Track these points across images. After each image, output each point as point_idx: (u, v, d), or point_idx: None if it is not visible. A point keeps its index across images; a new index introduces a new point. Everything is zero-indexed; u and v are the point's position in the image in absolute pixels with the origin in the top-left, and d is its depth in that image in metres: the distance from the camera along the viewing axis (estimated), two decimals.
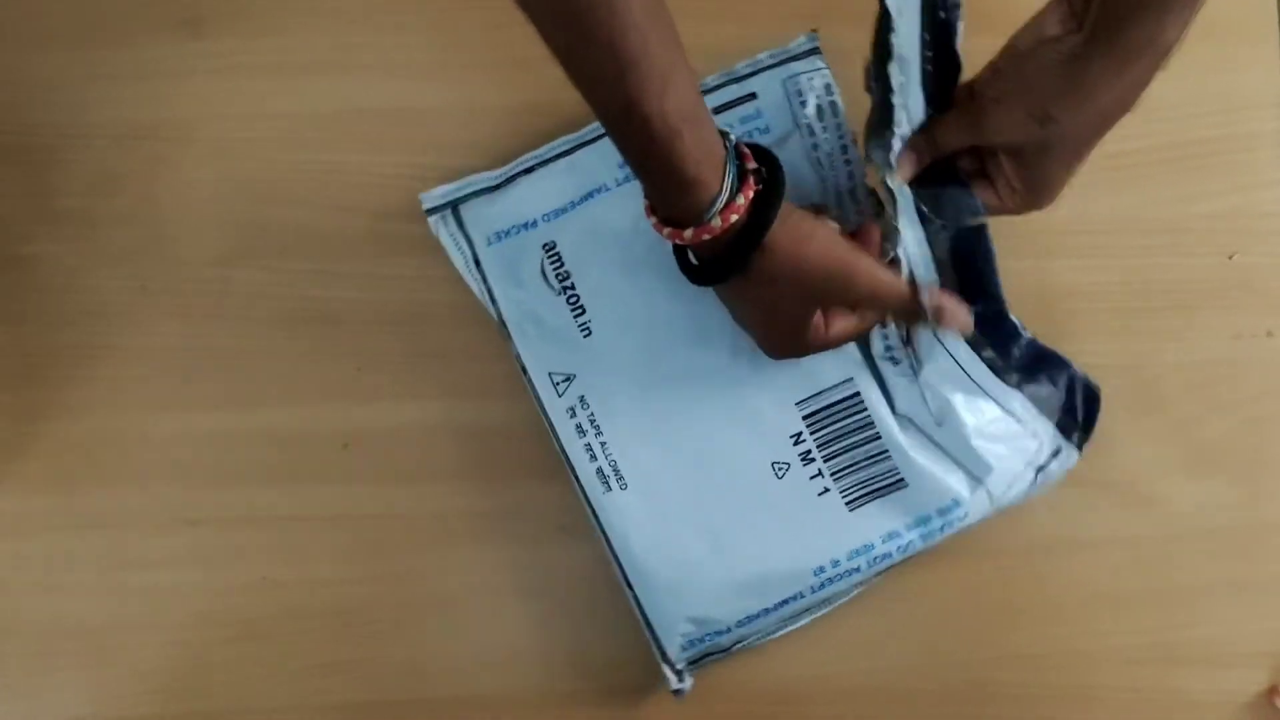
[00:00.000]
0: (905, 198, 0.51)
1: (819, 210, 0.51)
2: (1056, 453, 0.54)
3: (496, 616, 0.56)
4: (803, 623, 0.55)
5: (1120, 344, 0.59)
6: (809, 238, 0.46)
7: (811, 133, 0.54)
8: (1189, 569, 0.58)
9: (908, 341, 0.54)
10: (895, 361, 0.54)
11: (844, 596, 0.55)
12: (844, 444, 0.53)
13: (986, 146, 0.49)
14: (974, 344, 0.53)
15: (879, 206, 0.54)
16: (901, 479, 0.53)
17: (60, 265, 0.57)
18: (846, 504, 0.53)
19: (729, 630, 0.53)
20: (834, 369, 0.53)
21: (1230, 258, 0.60)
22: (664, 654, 0.53)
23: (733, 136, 0.45)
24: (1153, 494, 0.58)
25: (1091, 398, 0.54)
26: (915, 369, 0.53)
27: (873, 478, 0.53)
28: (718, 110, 0.54)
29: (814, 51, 0.55)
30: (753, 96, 0.55)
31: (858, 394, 0.53)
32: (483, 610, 0.56)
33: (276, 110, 0.58)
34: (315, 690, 0.56)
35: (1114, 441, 0.58)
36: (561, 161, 0.55)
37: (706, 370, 0.53)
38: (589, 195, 0.55)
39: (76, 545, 0.56)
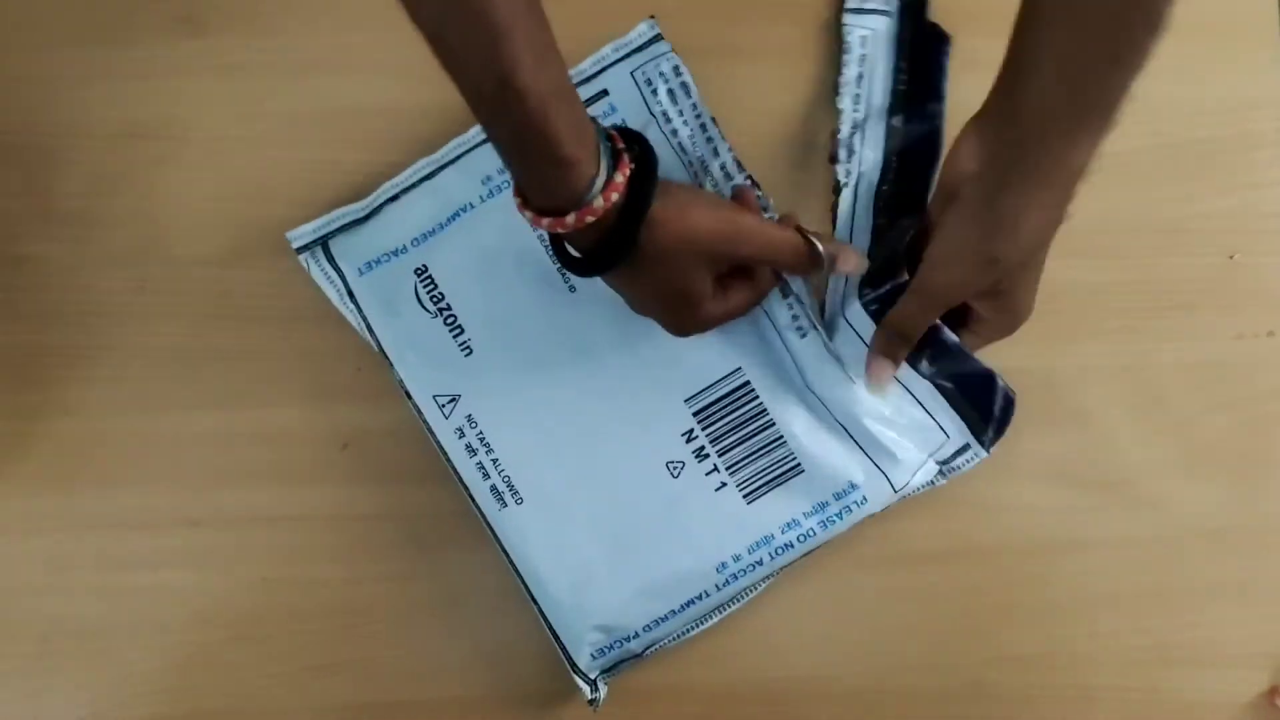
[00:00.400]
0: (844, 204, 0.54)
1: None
2: (964, 449, 0.54)
3: (496, 617, 0.56)
4: (713, 621, 0.54)
5: (1120, 344, 0.59)
6: (690, 204, 0.46)
7: (668, 119, 0.54)
8: (1189, 569, 0.58)
9: (821, 316, 0.54)
10: (802, 333, 0.53)
11: (752, 592, 0.54)
12: (737, 435, 0.53)
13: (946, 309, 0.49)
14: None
15: (832, 159, 0.55)
16: (798, 464, 0.53)
17: (59, 265, 0.57)
18: (744, 496, 0.53)
19: (637, 635, 0.53)
20: (720, 361, 0.53)
21: (1231, 258, 0.60)
22: (574, 665, 0.53)
23: (599, 120, 0.44)
24: (1152, 494, 0.58)
25: (1007, 403, 0.53)
26: (825, 341, 0.53)
27: (769, 466, 0.53)
28: None
29: (657, 38, 0.55)
30: (604, 94, 0.55)
31: (747, 383, 0.53)
32: (482, 610, 0.56)
33: (275, 109, 0.58)
34: (315, 690, 0.56)
35: (1114, 441, 0.58)
36: (424, 185, 0.55)
37: (591, 376, 0.53)
38: (455, 215, 0.55)
39: (75, 545, 0.56)
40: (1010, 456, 0.58)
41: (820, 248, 0.49)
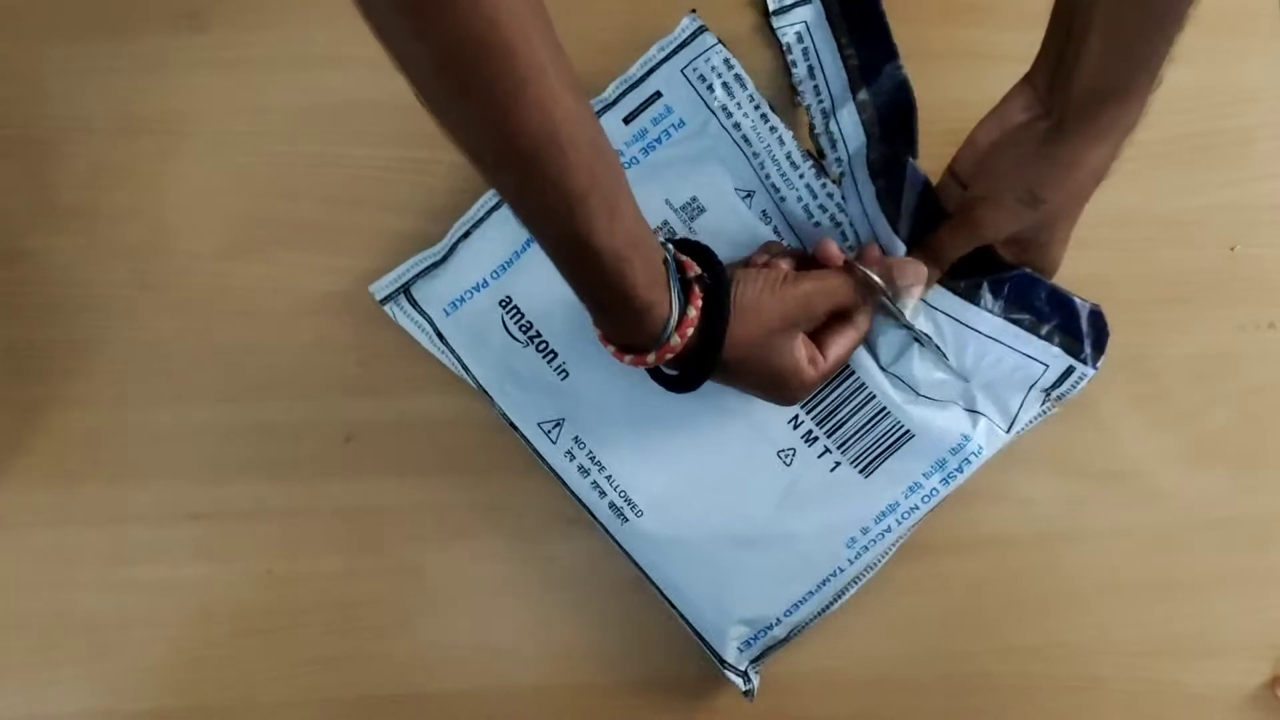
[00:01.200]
0: (859, 162, 0.54)
1: (769, 252, 0.53)
2: (1069, 372, 0.54)
3: (499, 610, 0.56)
4: (852, 592, 0.55)
5: (1123, 336, 0.59)
6: (758, 301, 0.47)
7: (728, 113, 0.54)
8: (1191, 561, 0.58)
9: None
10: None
11: (886, 557, 0.55)
12: (842, 414, 0.54)
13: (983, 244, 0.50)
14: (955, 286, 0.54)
15: (820, 154, 0.55)
16: (907, 430, 0.53)
17: (61, 259, 0.57)
18: (860, 471, 0.54)
19: (779, 621, 0.54)
20: None
21: (1232, 250, 0.60)
22: (723, 662, 0.54)
23: (670, 248, 0.45)
24: (1155, 486, 0.59)
25: (1095, 317, 0.54)
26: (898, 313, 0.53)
27: (879, 439, 0.54)
28: (628, 119, 0.55)
29: (701, 30, 0.55)
30: (658, 95, 0.55)
31: (845, 366, 0.54)
32: (485, 604, 0.56)
33: (277, 103, 0.58)
34: (318, 684, 0.56)
35: (1117, 433, 0.59)
36: (494, 217, 0.55)
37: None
38: (529, 242, 0.55)
39: (78, 539, 0.56)
40: (1015, 447, 0.58)
41: (873, 277, 0.50)
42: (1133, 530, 0.58)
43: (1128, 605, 0.58)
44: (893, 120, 0.55)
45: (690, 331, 0.44)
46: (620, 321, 0.44)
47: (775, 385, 0.50)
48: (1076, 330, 0.54)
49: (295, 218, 0.57)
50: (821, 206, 0.54)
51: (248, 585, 0.56)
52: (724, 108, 0.54)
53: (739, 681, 0.54)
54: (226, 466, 0.56)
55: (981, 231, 0.49)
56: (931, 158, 0.53)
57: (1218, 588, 0.58)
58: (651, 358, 0.45)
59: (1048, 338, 0.54)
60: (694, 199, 0.55)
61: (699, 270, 0.46)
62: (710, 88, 0.54)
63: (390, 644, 0.56)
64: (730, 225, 0.54)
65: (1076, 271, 0.59)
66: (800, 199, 0.54)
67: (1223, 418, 0.59)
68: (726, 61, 0.54)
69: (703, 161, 0.55)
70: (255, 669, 0.56)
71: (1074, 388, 0.54)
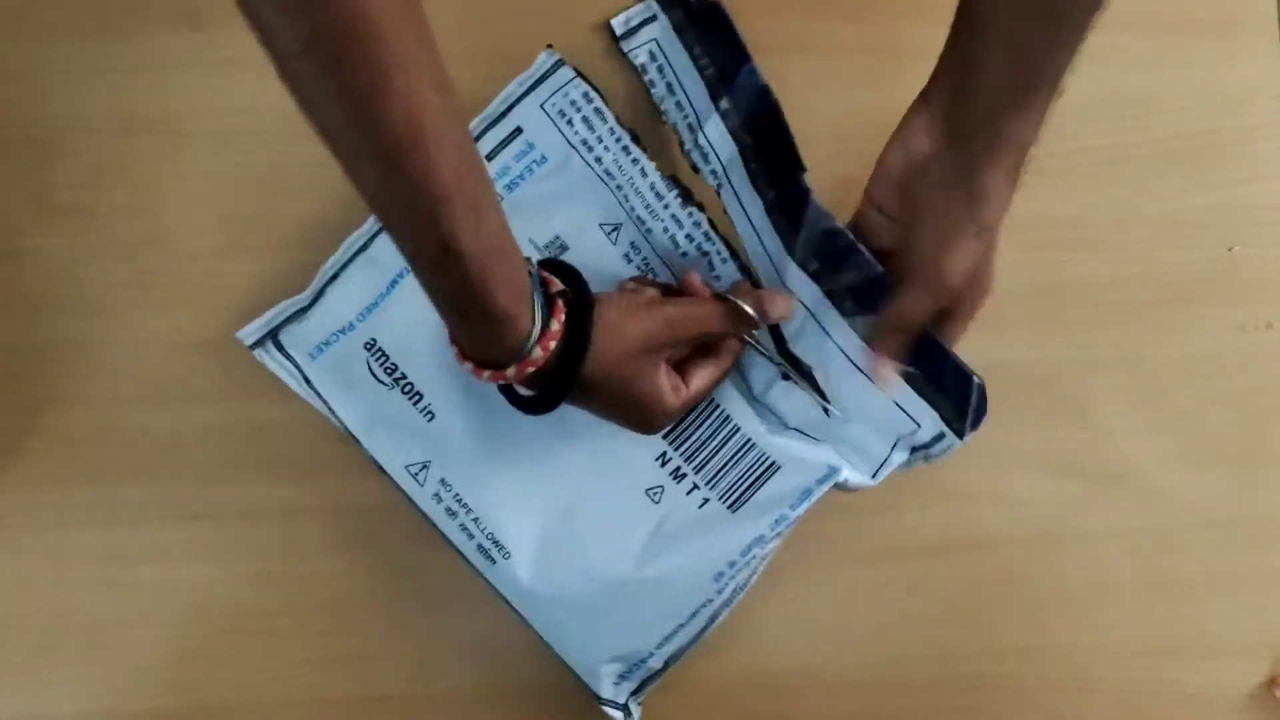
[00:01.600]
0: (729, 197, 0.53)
1: (637, 282, 0.53)
2: (940, 437, 0.53)
3: (493, 610, 0.56)
4: (726, 614, 0.54)
5: (1121, 337, 0.60)
6: (621, 320, 0.47)
7: (589, 148, 0.54)
8: (1189, 561, 0.59)
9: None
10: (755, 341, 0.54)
11: (751, 582, 0.54)
12: (709, 449, 0.54)
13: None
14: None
15: (695, 169, 0.55)
16: (773, 463, 0.53)
17: (59, 258, 0.57)
18: (728, 507, 0.54)
19: (652, 654, 0.53)
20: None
21: (1230, 250, 0.61)
22: (599, 698, 0.54)
23: (534, 262, 0.45)
24: (1153, 486, 0.59)
25: (982, 393, 0.51)
26: (770, 351, 0.54)
27: (746, 472, 0.54)
28: (490, 156, 0.55)
29: (560, 64, 0.55)
30: (519, 131, 0.55)
31: (710, 399, 0.54)
32: (480, 604, 0.56)
33: (277, 103, 0.57)
34: (315, 684, 0.56)
35: (1115, 434, 0.59)
36: (359, 259, 0.55)
37: (556, 420, 0.52)
38: (393, 283, 0.54)
39: (76, 540, 0.56)
40: (1011, 448, 0.58)
41: (743, 306, 0.50)
42: (1130, 531, 0.58)
43: (1125, 606, 0.58)
44: (761, 126, 0.53)
45: (553, 345, 0.44)
46: (480, 333, 0.43)
47: (636, 410, 0.49)
48: (964, 401, 0.51)
49: (293, 217, 0.57)
50: (689, 236, 0.54)
51: (245, 585, 0.56)
52: (585, 142, 0.54)
53: (619, 715, 0.53)
54: (224, 466, 0.56)
55: (949, 282, 0.48)
56: (845, 154, 0.51)
57: (1215, 588, 0.59)
58: (511, 371, 0.44)
59: (931, 400, 0.52)
60: (557, 237, 0.54)
61: (562, 286, 0.45)
62: (570, 122, 0.54)
63: (388, 643, 0.56)
64: (593, 262, 0.53)
65: (1075, 273, 0.60)
66: (667, 230, 0.54)
67: (1221, 418, 0.59)
68: (586, 95, 0.54)
69: (566, 198, 0.54)
70: (253, 669, 0.55)
71: (942, 453, 0.53)
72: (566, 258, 0.53)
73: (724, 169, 0.54)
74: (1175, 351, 0.60)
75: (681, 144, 0.56)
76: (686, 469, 0.54)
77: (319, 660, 0.56)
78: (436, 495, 0.54)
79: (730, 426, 0.54)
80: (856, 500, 0.57)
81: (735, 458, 0.54)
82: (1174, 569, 0.58)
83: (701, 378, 0.51)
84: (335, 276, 0.55)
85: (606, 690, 0.54)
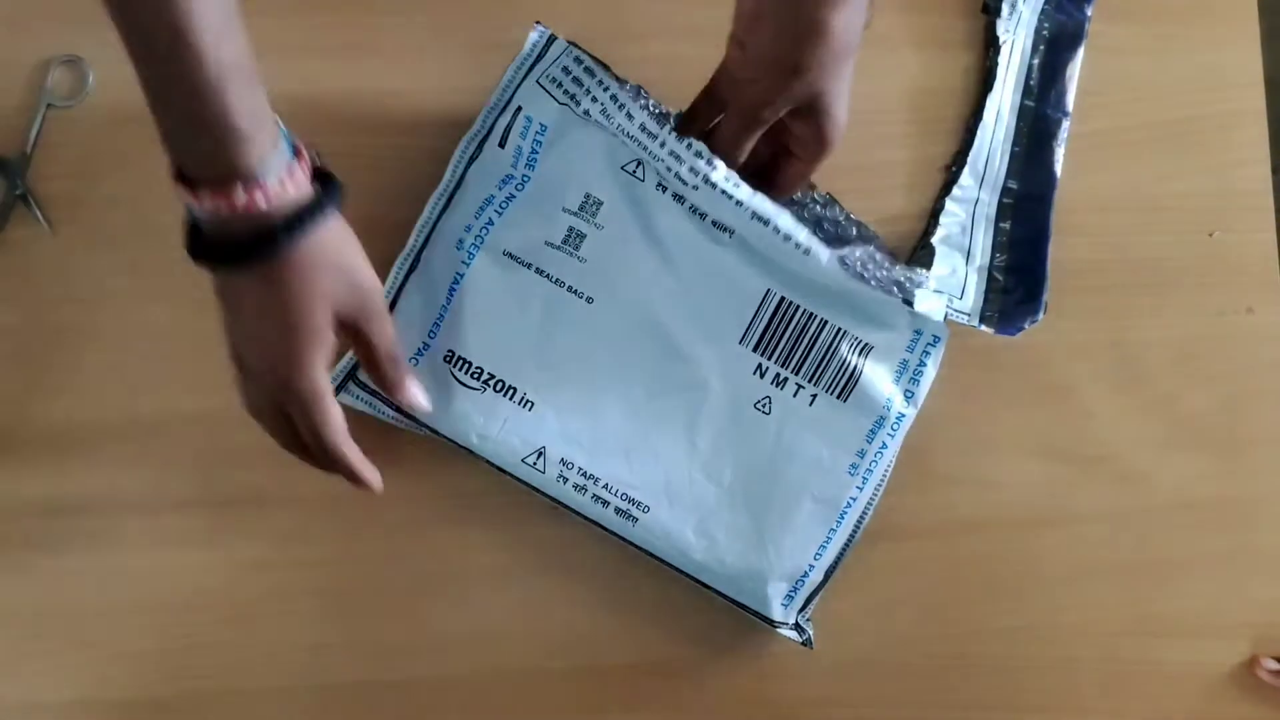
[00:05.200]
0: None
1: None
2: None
3: (486, 596, 0.57)
4: (870, 513, 0.55)
5: (1102, 321, 0.60)
6: (357, 250, 0.45)
7: (577, 102, 0.54)
8: (1171, 542, 0.59)
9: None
10: (804, 250, 0.53)
11: (888, 474, 0.55)
12: (802, 349, 0.54)
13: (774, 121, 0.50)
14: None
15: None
16: (866, 344, 0.54)
17: (49, 248, 0.57)
18: (837, 396, 0.54)
19: (812, 568, 0.54)
20: (747, 294, 0.54)
21: (1211, 235, 0.61)
22: (773, 622, 0.55)
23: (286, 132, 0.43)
24: (1134, 469, 0.59)
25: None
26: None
27: (843, 361, 0.54)
28: (502, 143, 0.55)
29: (552, 39, 0.55)
30: (519, 110, 0.55)
31: (783, 298, 0.54)
32: (475, 589, 0.57)
33: (274, 89, 0.58)
34: (309, 670, 0.56)
35: (1097, 417, 0.59)
36: (412, 280, 0.55)
37: (647, 370, 0.54)
38: (451, 291, 0.55)
39: (65, 528, 0.56)
40: (994, 432, 0.59)
41: (412, 396, 0.51)
42: (1112, 513, 0.59)
43: (1107, 587, 0.59)
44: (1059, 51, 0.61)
45: (292, 192, 0.41)
46: (211, 142, 0.39)
47: (282, 337, 0.44)
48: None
49: None
50: (693, 169, 0.52)
51: (235, 572, 0.56)
52: (574, 97, 0.54)
53: (794, 635, 0.55)
54: (214, 454, 0.56)
55: (757, 113, 0.49)
56: None
57: (1197, 569, 0.59)
58: (240, 193, 0.40)
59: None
60: (588, 195, 0.54)
61: (315, 157, 0.44)
62: (560, 85, 0.54)
63: (377, 630, 0.56)
64: (631, 209, 0.54)
65: (1057, 257, 0.60)
66: (670, 168, 0.53)
67: (1201, 402, 0.60)
68: (576, 59, 0.54)
69: (580, 156, 0.54)
70: (246, 656, 0.56)
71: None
72: (603, 213, 0.54)
73: (1014, 37, 0.59)
74: (1157, 336, 0.60)
75: None
76: (786, 373, 0.54)
77: (311, 647, 0.56)
78: (561, 477, 0.54)
79: (818, 321, 0.54)
80: None
81: (830, 351, 0.54)
82: (1156, 550, 0.59)
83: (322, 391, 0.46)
84: (394, 304, 0.55)
85: (777, 613, 0.54)
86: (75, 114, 0.57)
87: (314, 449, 0.48)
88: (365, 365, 0.51)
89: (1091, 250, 0.60)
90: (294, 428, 0.47)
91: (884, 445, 0.54)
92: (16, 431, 0.56)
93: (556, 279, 0.54)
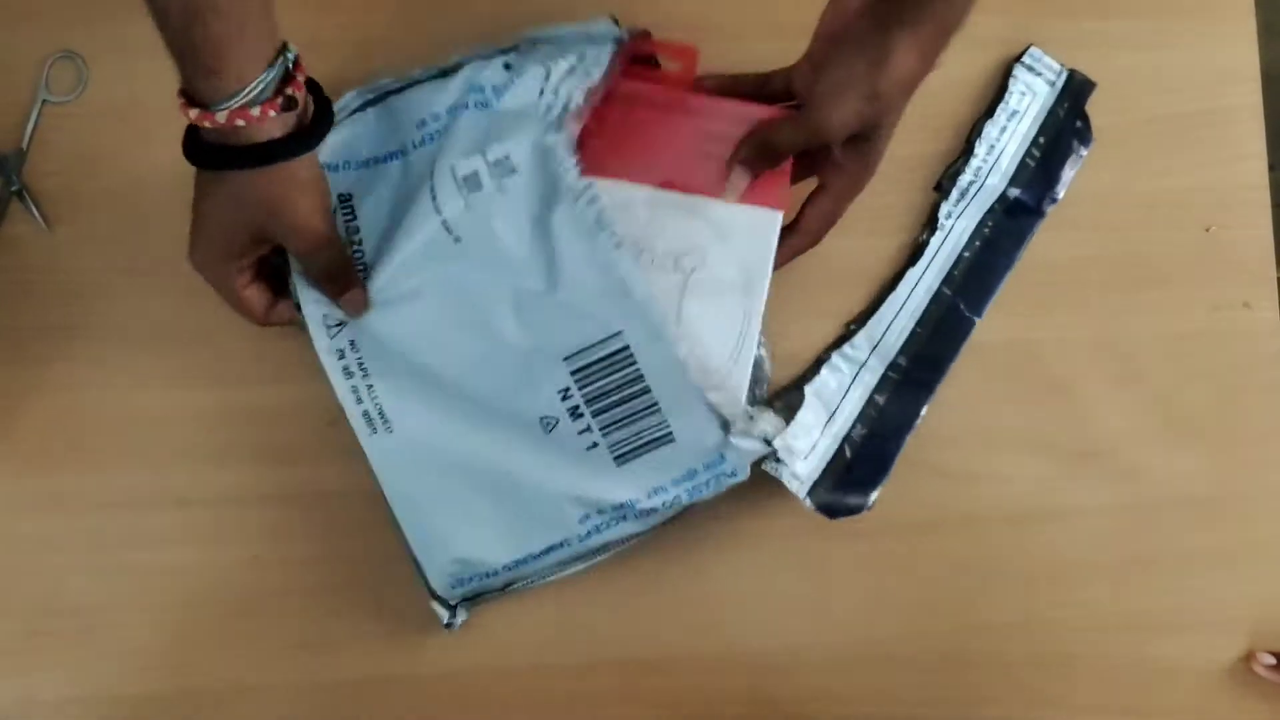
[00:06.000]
0: None
1: None
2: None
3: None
4: (578, 568, 0.55)
5: (1099, 316, 0.60)
6: (302, 185, 0.47)
7: (548, 77, 0.53)
8: (1167, 538, 0.59)
9: None
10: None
11: (617, 546, 0.55)
12: (612, 399, 0.53)
13: (822, 145, 0.50)
14: None
15: None
16: (670, 433, 0.52)
17: (43, 244, 0.57)
18: (615, 458, 0.53)
19: (497, 573, 0.54)
20: (603, 322, 0.52)
21: (1208, 230, 0.61)
22: (431, 591, 0.54)
23: (293, 52, 0.45)
24: (1131, 464, 0.59)
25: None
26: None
27: (641, 432, 0.53)
28: (508, 65, 0.54)
29: (618, 38, 0.54)
30: (515, 49, 0.54)
31: (626, 348, 0.52)
32: None
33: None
34: (305, 667, 0.56)
35: (1093, 412, 0.59)
36: (369, 112, 0.55)
37: (475, 324, 0.53)
38: (392, 155, 0.54)
39: (64, 525, 0.56)
40: (992, 427, 0.59)
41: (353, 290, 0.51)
42: (1109, 508, 0.59)
43: (1104, 582, 0.59)
44: (996, 249, 0.60)
45: (262, 120, 0.44)
46: (184, 66, 0.43)
47: (215, 234, 0.48)
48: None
49: None
50: None
51: (234, 569, 0.56)
52: (548, 74, 0.53)
53: (443, 613, 0.54)
54: (211, 451, 0.56)
55: (825, 130, 0.49)
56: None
57: (1194, 564, 0.59)
58: (194, 112, 0.43)
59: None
60: (507, 156, 0.52)
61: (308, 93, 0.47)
62: (580, 61, 0.53)
63: (376, 627, 0.56)
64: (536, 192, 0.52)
65: (1054, 253, 0.60)
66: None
67: (1198, 396, 0.60)
68: (602, 54, 0.53)
69: (522, 119, 0.53)
70: (242, 652, 0.56)
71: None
72: (512, 181, 0.52)
73: (948, 229, 0.58)
74: (1153, 331, 0.60)
75: (957, 167, 0.59)
76: (585, 410, 0.52)
77: (308, 643, 0.56)
78: (340, 352, 0.53)
79: (641, 385, 0.52)
80: None
81: (636, 416, 0.52)
82: (1152, 545, 0.59)
83: (260, 297, 0.51)
84: (363, 108, 0.55)
85: (440, 586, 0.54)
86: (71, 110, 0.57)
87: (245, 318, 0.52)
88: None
89: (1088, 246, 0.60)
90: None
91: (622, 519, 0.53)
92: (13, 428, 0.56)
93: (440, 202, 0.52)
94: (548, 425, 0.53)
